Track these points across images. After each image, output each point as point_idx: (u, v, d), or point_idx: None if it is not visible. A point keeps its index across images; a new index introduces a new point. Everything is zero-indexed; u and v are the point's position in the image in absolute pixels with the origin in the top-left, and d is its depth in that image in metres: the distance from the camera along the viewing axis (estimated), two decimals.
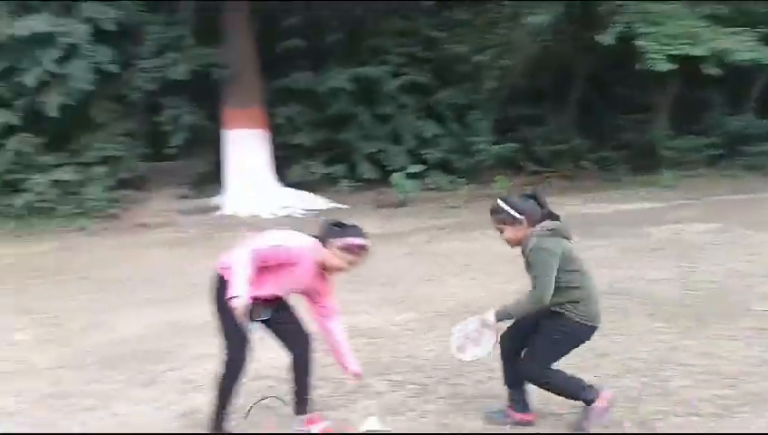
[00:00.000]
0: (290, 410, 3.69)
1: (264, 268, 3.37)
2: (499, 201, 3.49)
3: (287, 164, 14.25)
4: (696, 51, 11.44)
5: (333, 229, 3.51)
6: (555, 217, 3.46)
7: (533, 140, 15.47)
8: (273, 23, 14.47)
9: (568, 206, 12.01)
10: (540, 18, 12.58)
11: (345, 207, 13.22)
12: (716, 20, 12.30)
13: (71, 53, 11.84)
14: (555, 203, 10.78)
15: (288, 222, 12.12)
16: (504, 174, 14.37)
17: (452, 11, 16.19)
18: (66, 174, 12.18)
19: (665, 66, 11.43)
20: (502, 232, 3.49)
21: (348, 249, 3.46)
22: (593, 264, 6.84)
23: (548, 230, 3.38)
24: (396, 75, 14.48)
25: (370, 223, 11.57)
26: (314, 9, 14.66)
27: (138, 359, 5.01)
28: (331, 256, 3.48)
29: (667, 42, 11.42)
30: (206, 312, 5.95)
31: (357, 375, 3.76)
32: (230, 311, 3.25)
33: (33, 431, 3.85)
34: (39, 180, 11.95)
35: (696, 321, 5.19)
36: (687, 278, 6.51)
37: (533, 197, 3.52)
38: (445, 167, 14.78)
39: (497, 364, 3.73)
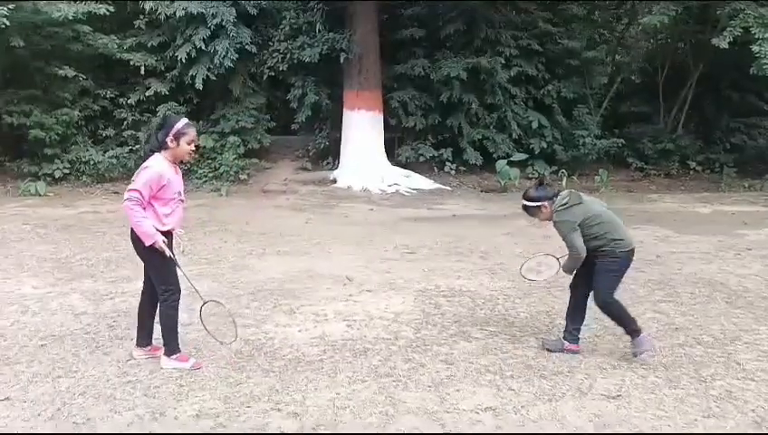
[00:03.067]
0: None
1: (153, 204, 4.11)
2: (524, 202, 4.58)
3: (398, 145, 15.20)
4: None
5: (158, 133, 4.19)
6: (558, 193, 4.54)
7: (640, 138, 15.60)
8: (395, 12, 15.36)
9: (669, 203, 12.36)
10: (656, 18, 12.76)
11: (449, 188, 14.01)
12: None
13: (217, 32, 13.28)
14: (656, 200, 11.63)
15: (396, 198, 13.12)
16: (607, 168, 14.68)
17: (567, 6, 16.46)
18: (205, 141, 13.67)
19: None
20: (537, 218, 4.62)
21: (181, 135, 4.13)
22: (688, 257, 7.47)
23: (561, 205, 4.43)
24: (507, 66, 15.01)
25: (473, 205, 12.42)
26: (434, 1, 15.41)
27: (278, 295, 6.09)
28: (176, 149, 4.14)
29: None
30: (328, 264, 7.12)
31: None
32: (151, 252, 4.07)
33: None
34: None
35: None
36: None
37: (542, 183, 4.61)
38: (548, 157, 15.23)
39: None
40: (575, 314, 4.68)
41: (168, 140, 4.12)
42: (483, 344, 4.82)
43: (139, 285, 4.60)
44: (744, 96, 15.67)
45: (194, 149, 4.27)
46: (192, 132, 4.21)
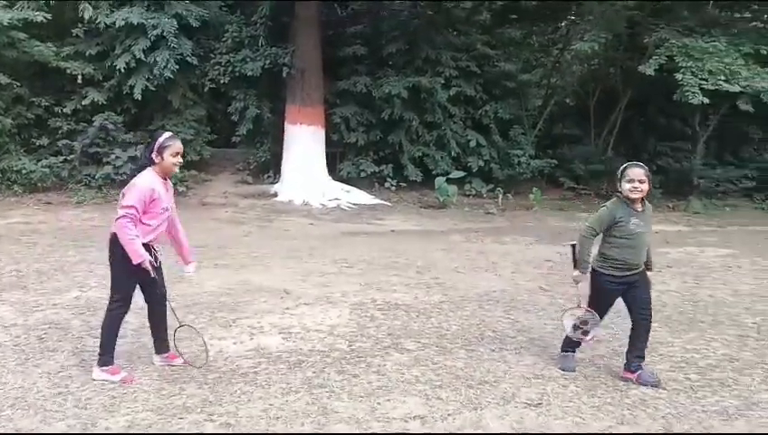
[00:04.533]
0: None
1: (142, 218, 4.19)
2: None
3: (339, 160, 15.35)
4: (731, 87, 12.11)
5: (145, 151, 4.40)
6: None
7: (572, 158, 16.23)
8: (338, 29, 15.58)
9: None
10: (587, 45, 13.37)
11: (389, 204, 14.23)
12: (756, 58, 12.92)
13: (157, 43, 13.17)
14: (585, 219, 12.09)
15: (336, 213, 13.24)
16: (541, 187, 15.21)
17: (505, 29, 17.03)
18: (142, 152, 13.43)
19: (698, 99, 12.15)
20: (643, 183, 4.37)
21: (163, 148, 4.25)
22: None
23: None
24: (447, 86, 15.38)
25: (412, 221, 12.66)
26: (377, 19, 15.70)
27: (215, 308, 6.11)
28: (162, 163, 4.26)
29: (704, 77, 12.14)
30: (265, 277, 7.15)
31: (191, 263, 4.75)
32: (123, 265, 4.18)
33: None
34: (119, 155, 13.28)
35: (688, 325, 6.05)
36: (690, 292, 7.32)
37: None
38: (485, 175, 15.66)
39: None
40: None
41: (153, 155, 4.26)
42: (414, 356, 4.97)
43: (71, 295, 4.57)
44: (670, 121, 16.53)
45: (180, 161, 4.37)
46: (175, 144, 4.31)
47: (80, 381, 4.25)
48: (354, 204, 13.93)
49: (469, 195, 15.26)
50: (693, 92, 12.14)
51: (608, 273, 4.51)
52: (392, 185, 15.22)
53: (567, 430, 3.81)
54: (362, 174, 15.13)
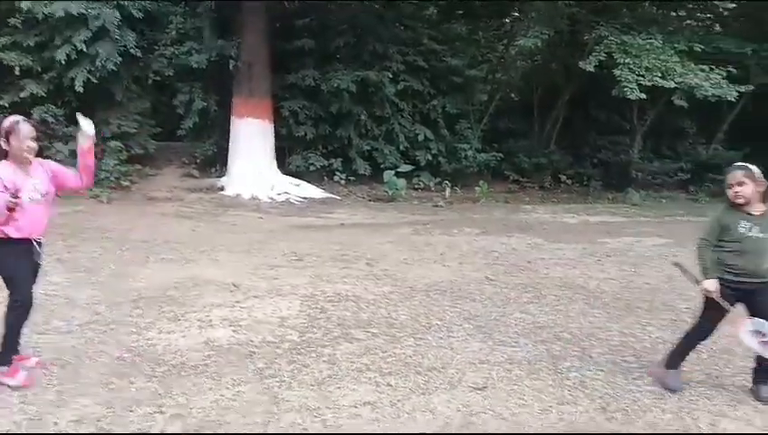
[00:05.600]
0: None
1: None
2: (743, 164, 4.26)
3: (288, 154, 15.30)
4: (667, 83, 12.63)
5: None
6: None
7: (517, 152, 16.60)
8: (285, 22, 15.50)
9: (541, 214, 13.27)
10: (530, 41, 13.70)
11: (338, 198, 14.28)
12: (690, 55, 13.49)
13: (99, 34, 12.84)
14: (530, 211, 12.53)
15: (285, 207, 13.22)
16: (487, 180, 15.51)
17: (452, 24, 17.26)
18: None
19: (636, 95, 12.62)
20: (742, 186, 4.11)
21: (8, 134, 3.96)
22: (555, 263, 8.09)
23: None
24: (395, 80, 15.50)
25: (361, 214, 12.75)
26: (325, 13, 15.69)
27: (162, 302, 6.06)
28: (11, 149, 3.97)
29: (641, 73, 12.62)
30: (214, 271, 7.13)
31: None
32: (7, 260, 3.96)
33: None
34: (60, 149, 12.91)
35: (625, 310, 6.33)
36: (628, 280, 7.65)
37: None
38: (433, 169, 15.87)
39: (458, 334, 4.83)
40: None
41: (2, 143, 3.98)
42: (364, 345, 5.07)
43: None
44: (610, 116, 17.07)
45: (30, 145, 4.01)
46: (23, 128, 3.98)
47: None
48: (303, 198, 13.91)
49: (418, 188, 15.44)
50: (630, 88, 12.60)
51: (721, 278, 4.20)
52: (341, 179, 15.26)
53: (511, 412, 3.97)
54: (311, 168, 15.12)
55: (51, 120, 13.17)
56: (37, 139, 4.11)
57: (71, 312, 4.71)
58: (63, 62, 12.87)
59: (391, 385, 4.31)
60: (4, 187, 3.89)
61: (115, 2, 13.03)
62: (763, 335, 4.17)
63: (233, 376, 4.37)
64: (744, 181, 4.11)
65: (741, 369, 4.73)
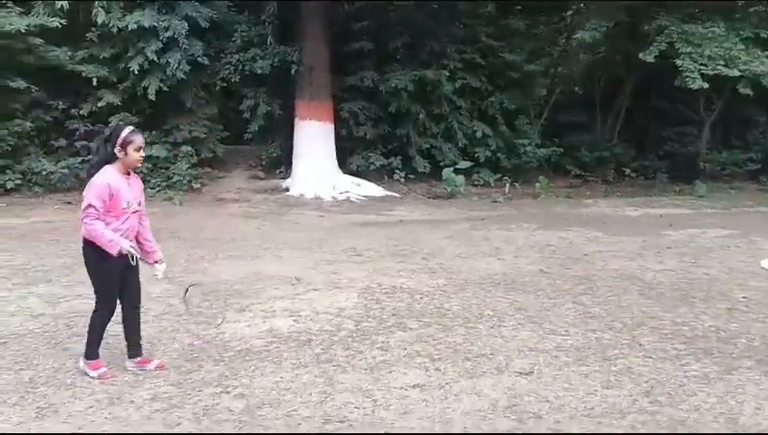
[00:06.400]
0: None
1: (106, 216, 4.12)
2: None
3: (349, 154, 15.67)
4: (730, 71, 12.28)
5: (104, 143, 4.22)
6: None
7: (578, 146, 16.44)
8: (344, 26, 15.89)
9: (604, 208, 13.15)
10: (588, 34, 13.58)
11: (398, 195, 14.54)
12: (756, 42, 13.06)
13: (169, 45, 13.56)
14: (591, 205, 12.54)
15: (346, 205, 13.59)
16: (548, 175, 15.45)
17: (509, 20, 17.24)
18: (158, 151, 13.90)
19: (698, 84, 12.34)
20: None
21: (127, 143, 4.15)
22: (613, 255, 8.12)
23: None
24: (452, 78, 15.65)
25: (420, 211, 12.98)
26: (382, 15, 15.99)
27: (229, 295, 6.46)
28: (125, 158, 4.17)
29: (704, 62, 12.33)
30: (277, 266, 7.50)
31: (157, 263, 4.56)
32: (98, 268, 4.20)
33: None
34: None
35: (680, 300, 6.33)
36: (686, 271, 7.59)
37: None
38: (492, 165, 15.93)
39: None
40: None
41: (116, 150, 4.16)
42: (417, 334, 5.30)
43: None
44: (675, 106, 16.68)
45: (143, 155, 4.33)
46: (138, 139, 4.23)
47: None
48: (364, 196, 14.24)
49: (477, 185, 15.53)
50: (692, 78, 12.33)
51: None
52: (401, 177, 15.52)
53: (555, 395, 4.12)
54: (372, 167, 15.44)
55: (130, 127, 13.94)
56: None
57: (146, 304, 5.10)
58: (137, 73, 13.66)
59: (440, 370, 4.52)
60: (116, 191, 4.15)
61: (184, 13, 13.71)
62: None
63: (292, 361, 4.68)
64: None
65: None
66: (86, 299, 6.16)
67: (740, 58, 12.38)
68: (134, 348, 4.55)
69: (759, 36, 13.14)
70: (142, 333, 4.63)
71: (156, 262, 4.58)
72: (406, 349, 4.93)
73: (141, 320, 4.68)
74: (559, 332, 5.34)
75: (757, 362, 4.71)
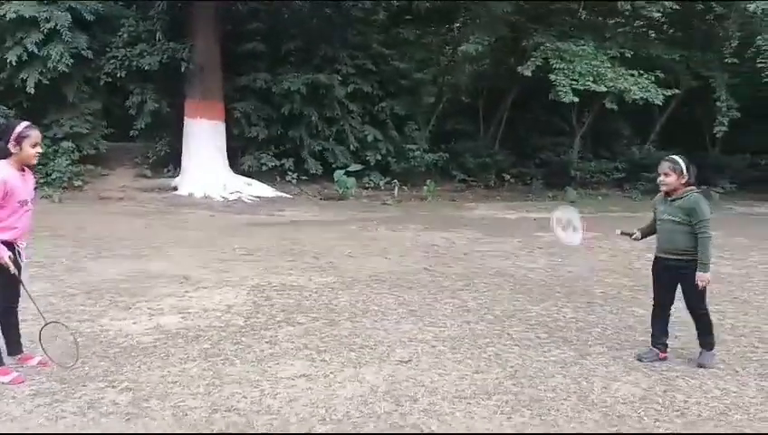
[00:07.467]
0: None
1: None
2: (676, 157, 4.85)
3: (241, 154, 15.61)
4: (598, 87, 13.42)
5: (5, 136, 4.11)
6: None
7: (463, 152, 17.24)
8: (237, 25, 15.82)
9: (485, 211, 13.91)
10: (471, 47, 14.35)
11: (290, 196, 14.66)
12: (621, 61, 14.32)
13: (51, 36, 12.98)
14: (473, 208, 13.26)
15: (237, 205, 13.55)
16: (435, 180, 16.11)
17: (401, 29, 17.81)
18: None
19: (569, 98, 13.38)
20: (665, 177, 4.77)
21: (22, 138, 4.07)
22: (490, 255, 8.66)
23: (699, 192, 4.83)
24: (345, 83, 15.98)
25: (311, 212, 13.19)
26: (276, 16, 16.06)
27: (114, 293, 6.40)
28: (20, 154, 4.08)
29: (575, 78, 13.38)
30: (165, 265, 7.47)
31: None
32: None
33: None
34: None
35: (546, 295, 6.92)
36: (554, 268, 8.28)
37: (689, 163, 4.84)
38: (382, 168, 16.40)
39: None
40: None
41: (11, 145, 4.06)
42: (304, 328, 5.51)
43: None
44: (551, 118, 17.88)
45: (39, 151, 4.22)
46: (34, 134, 4.14)
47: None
48: (256, 197, 14.25)
49: (368, 187, 15.93)
50: (564, 92, 13.35)
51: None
52: (293, 178, 15.65)
53: (431, 380, 4.47)
54: (264, 168, 15.47)
55: (1, 120, 13.21)
56: None
57: (23, 302, 4.97)
58: (14, 64, 12.96)
59: (326, 360, 4.76)
60: (12, 187, 4.03)
61: (67, 4, 13.17)
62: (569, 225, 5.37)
63: (180, 356, 4.76)
64: (668, 172, 4.78)
65: (641, 342, 5.33)
66: None
67: (607, 75, 13.53)
68: (15, 345, 4.47)
69: (624, 56, 14.39)
70: (23, 331, 4.57)
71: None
72: (293, 342, 5.13)
73: (20, 319, 4.60)
74: (437, 324, 5.73)
75: (608, 348, 5.29)
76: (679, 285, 4.89)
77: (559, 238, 5.61)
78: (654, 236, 5.08)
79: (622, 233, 5.37)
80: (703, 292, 4.86)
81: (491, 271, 7.99)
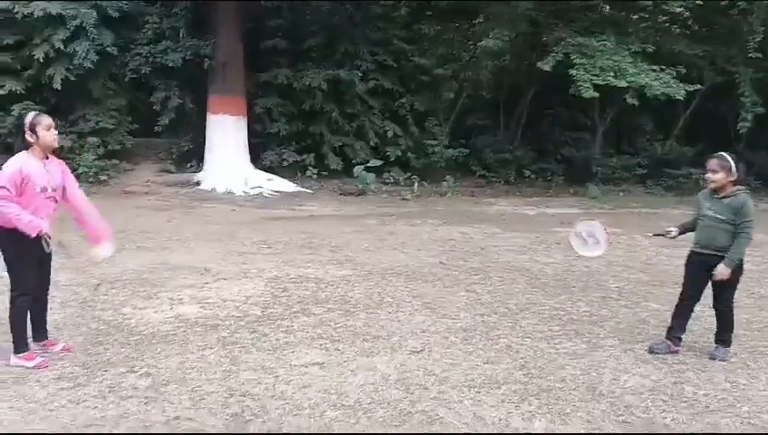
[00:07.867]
0: None
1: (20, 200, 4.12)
2: (725, 154, 4.81)
3: (262, 150, 15.79)
4: (619, 82, 13.33)
5: (20, 136, 4.29)
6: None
7: (483, 148, 17.24)
8: (259, 22, 15.99)
9: (504, 206, 13.93)
10: (493, 42, 14.34)
11: (310, 191, 14.81)
12: (642, 56, 14.21)
13: (77, 33, 13.26)
14: (493, 204, 13.25)
15: (258, 200, 13.73)
16: (455, 175, 16.14)
17: (421, 25, 17.85)
18: (63, 141, 13.51)
19: (590, 94, 13.32)
20: (712, 176, 4.75)
21: (35, 125, 4.20)
22: (507, 249, 8.71)
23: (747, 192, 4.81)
24: (365, 79, 16.06)
25: (331, 207, 13.31)
26: (297, 13, 16.20)
27: (137, 283, 6.58)
28: (39, 141, 4.20)
29: (596, 73, 13.31)
30: (187, 257, 7.64)
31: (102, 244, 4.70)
32: (10, 250, 4.18)
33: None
34: None
35: (562, 289, 6.96)
36: (570, 263, 8.28)
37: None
38: (402, 164, 16.46)
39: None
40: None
41: (27, 135, 4.20)
42: (320, 318, 5.63)
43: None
44: (572, 113, 17.78)
45: (56, 134, 4.34)
46: (44, 119, 4.26)
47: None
48: (276, 191, 14.42)
49: (387, 183, 16.01)
50: (585, 87, 13.28)
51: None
52: (314, 173, 15.79)
53: (442, 369, 4.55)
54: (285, 163, 15.62)
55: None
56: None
57: (51, 291, 5.14)
58: (42, 61, 13.27)
59: (339, 350, 4.87)
60: (28, 175, 4.13)
61: (92, 2, 13.45)
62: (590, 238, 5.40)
63: (198, 343, 4.91)
64: (715, 169, 4.75)
65: (654, 336, 5.36)
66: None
67: (628, 70, 13.43)
68: (40, 332, 4.64)
69: (645, 51, 14.28)
70: (48, 318, 4.74)
71: (101, 243, 4.72)
72: (308, 332, 5.25)
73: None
74: (450, 316, 5.82)
75: (620, 341, 5.33)
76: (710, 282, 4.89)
77: (579, 252, 5.65)
78: (679, 234, 5.10)
79: (655, 235, 5.38)
80: (733, 290, 4.89)
81: (507, 265, 8.04)
